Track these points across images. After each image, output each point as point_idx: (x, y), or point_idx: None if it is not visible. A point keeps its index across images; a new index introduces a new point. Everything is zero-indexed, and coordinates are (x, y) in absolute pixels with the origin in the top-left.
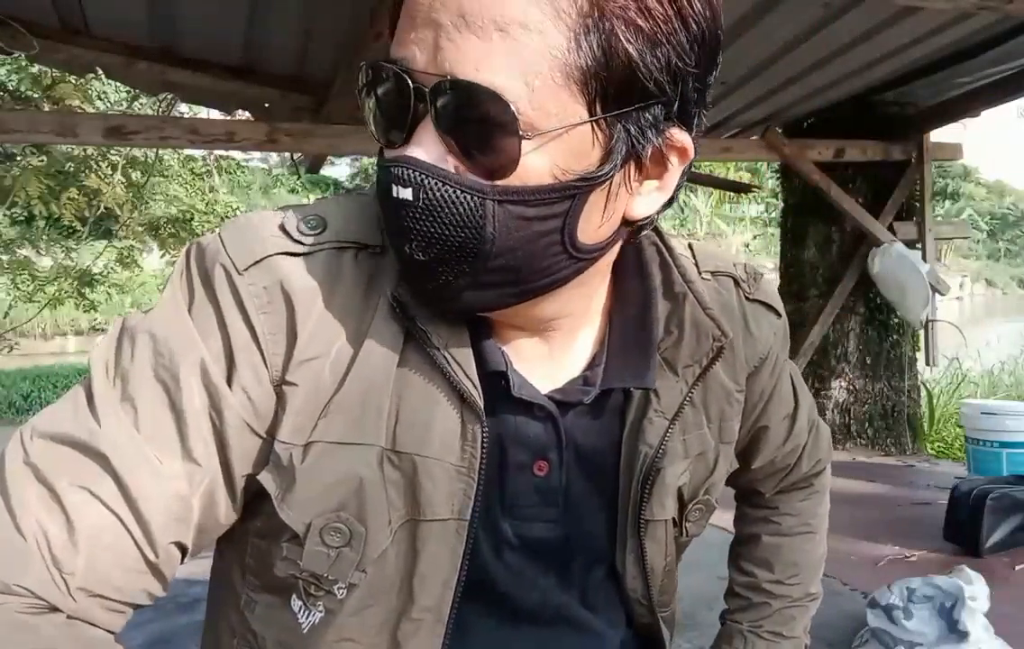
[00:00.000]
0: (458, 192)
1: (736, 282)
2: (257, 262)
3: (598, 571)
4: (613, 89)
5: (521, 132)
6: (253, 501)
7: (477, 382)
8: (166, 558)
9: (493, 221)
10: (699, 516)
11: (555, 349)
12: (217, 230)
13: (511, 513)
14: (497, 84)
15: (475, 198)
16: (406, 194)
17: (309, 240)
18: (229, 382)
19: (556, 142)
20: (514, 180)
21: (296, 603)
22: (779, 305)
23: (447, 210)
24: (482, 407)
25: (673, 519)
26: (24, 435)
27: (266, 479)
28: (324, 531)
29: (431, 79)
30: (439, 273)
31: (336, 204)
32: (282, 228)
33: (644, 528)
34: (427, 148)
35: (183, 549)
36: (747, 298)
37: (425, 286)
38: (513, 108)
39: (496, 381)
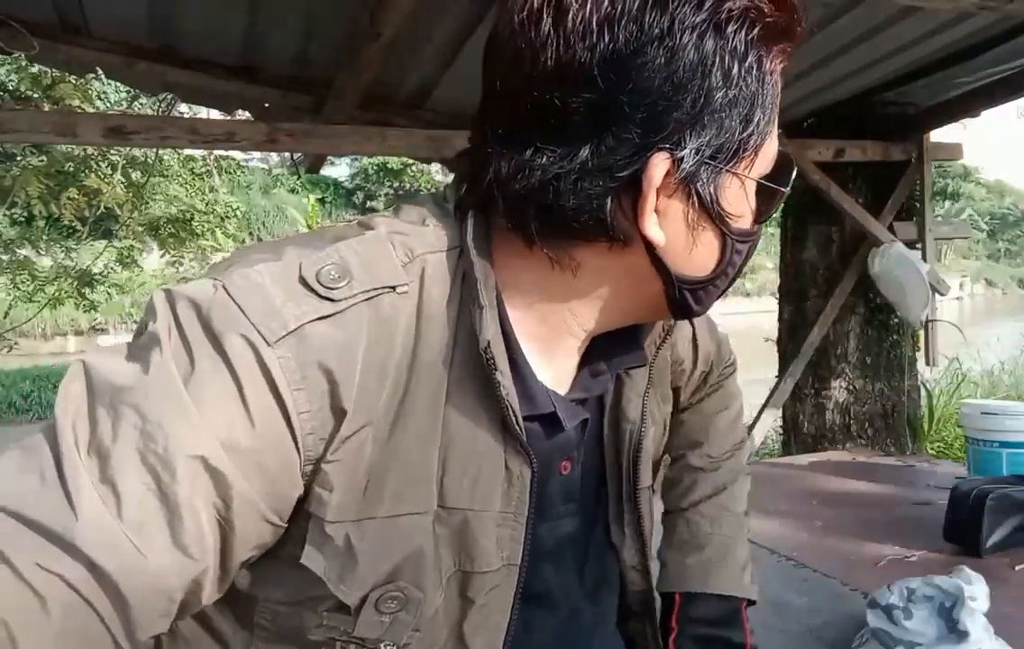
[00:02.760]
0: None
1: None
2: (290, 333)
3: (594, 550)
4: None
5: None
6: (265, 573)
7: (523, 426)
8: None
9: None
10: (662, 474)
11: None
12: (216, 283)
13: (546, 517)
14: None
15: None
16: None
17: (338, 293)
18: (244, 466)
19: None
20: None
21: None
22: None
23: None
24: (530, 448)
25: (651, 485)
26: None
27: (314, 562)
28: (380, 601)
29: None
30: None
31: (347, 248)
32: (303, 282)
33: (639, 497)
34: None
35: (159, 640)
36: None
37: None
38: None
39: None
